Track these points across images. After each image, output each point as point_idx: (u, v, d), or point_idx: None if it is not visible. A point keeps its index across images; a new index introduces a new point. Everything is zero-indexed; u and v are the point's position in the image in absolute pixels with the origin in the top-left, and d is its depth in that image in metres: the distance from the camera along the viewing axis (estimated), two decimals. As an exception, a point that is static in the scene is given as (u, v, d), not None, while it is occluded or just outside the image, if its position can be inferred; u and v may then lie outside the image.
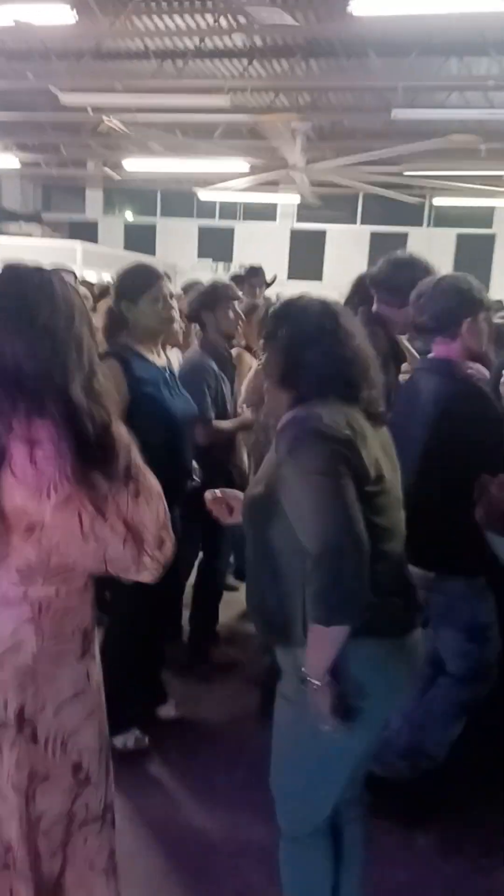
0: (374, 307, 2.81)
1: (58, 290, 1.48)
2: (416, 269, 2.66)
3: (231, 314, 3.42)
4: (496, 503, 2.07)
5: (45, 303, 1.45)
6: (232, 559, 4.33)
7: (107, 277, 10.53)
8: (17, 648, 1.51)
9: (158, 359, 2.78)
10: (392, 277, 2.72)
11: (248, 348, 4.11)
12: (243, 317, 3.56)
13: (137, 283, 2.67)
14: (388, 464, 1.74)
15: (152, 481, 1.53)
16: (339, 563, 1.53)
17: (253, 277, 4.96)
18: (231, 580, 4.34)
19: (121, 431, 1.52)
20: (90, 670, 1.64)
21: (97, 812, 1.68)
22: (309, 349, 1.68)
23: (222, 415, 3.41)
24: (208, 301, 3.43)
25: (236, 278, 4.85)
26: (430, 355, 2.49)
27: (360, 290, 3.06)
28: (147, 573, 1.55)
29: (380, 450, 1.71)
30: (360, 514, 1.56)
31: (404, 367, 3.04)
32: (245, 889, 2.28)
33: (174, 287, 3.06)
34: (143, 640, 2.91)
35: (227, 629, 3.93)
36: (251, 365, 3.91)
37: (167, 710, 3.14)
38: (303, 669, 1.62)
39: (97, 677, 1.67)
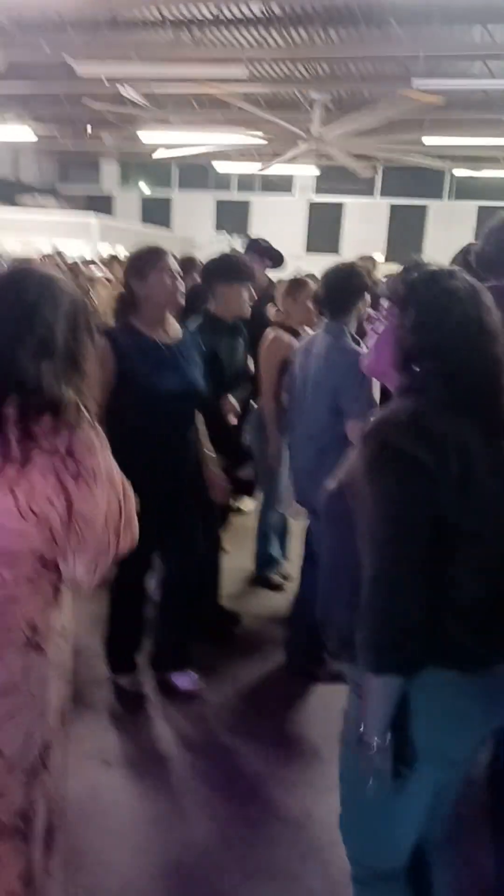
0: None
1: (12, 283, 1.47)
2: None
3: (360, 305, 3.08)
4: None
5: None
6: (278, 549, 4.36)
7: (122, 251, 10.51)
8: None
9: (164, 334, 2.86)
10: None
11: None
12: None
13: (145, 260, 2.81)
14: None
15: (101, 468, 1.45)
16: (391, 599, 1.36)
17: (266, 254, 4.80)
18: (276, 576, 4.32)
19: (81, 414, 1.46)
20: (30, 666, 1.51)
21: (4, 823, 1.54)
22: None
23: None
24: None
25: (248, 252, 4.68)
26: None
27: (465, 268, 2.89)
28: (85, 569, 1.49)
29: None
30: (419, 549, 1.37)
31: None
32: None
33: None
34: (133, 584, 3.04)
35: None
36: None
37: (185, 682, 3.20)
38: (360, 729, 1.44)
39: (39, 675, 1.53)
